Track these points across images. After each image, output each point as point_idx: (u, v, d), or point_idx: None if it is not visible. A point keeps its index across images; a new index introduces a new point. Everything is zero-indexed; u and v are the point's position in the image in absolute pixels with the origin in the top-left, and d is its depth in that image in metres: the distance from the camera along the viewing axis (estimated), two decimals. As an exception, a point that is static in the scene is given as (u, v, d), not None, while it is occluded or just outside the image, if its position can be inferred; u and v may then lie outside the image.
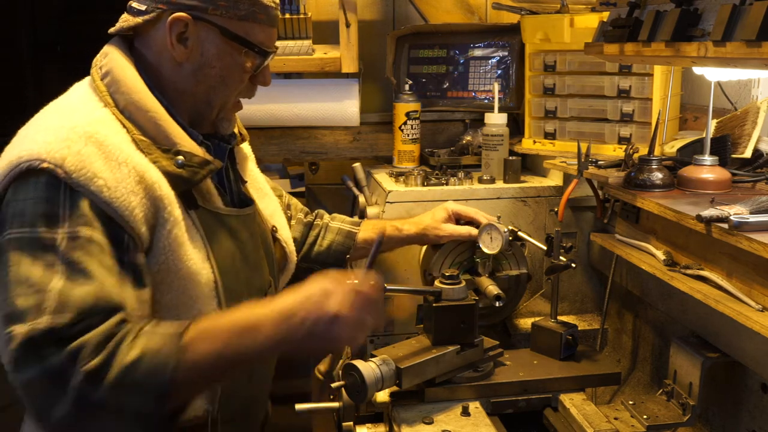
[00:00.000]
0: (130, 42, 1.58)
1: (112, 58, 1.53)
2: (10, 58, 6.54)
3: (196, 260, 1.48)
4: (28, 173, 1.34)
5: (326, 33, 2.65)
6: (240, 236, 1.62)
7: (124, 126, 1.46)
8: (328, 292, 1.39)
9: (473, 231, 1.98)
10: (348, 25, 2.40)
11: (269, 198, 1.86)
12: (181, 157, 1.49)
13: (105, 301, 1.30)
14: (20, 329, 1.25)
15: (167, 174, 1.46)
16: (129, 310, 1.34)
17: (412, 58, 2.68)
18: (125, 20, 1.56)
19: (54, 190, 1.34)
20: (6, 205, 1.36)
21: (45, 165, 1.33)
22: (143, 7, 1.53)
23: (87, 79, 1.58)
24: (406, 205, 2.18)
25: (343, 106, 2.57)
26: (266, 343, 1.36)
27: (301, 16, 2.49)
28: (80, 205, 1.34)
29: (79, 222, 1.33)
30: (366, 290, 1.42)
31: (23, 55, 6.72)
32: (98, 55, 1.56)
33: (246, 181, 1.78)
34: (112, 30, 1.58)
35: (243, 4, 1.52)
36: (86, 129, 1.40)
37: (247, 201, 1.73)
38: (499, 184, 2.27)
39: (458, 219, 2.04)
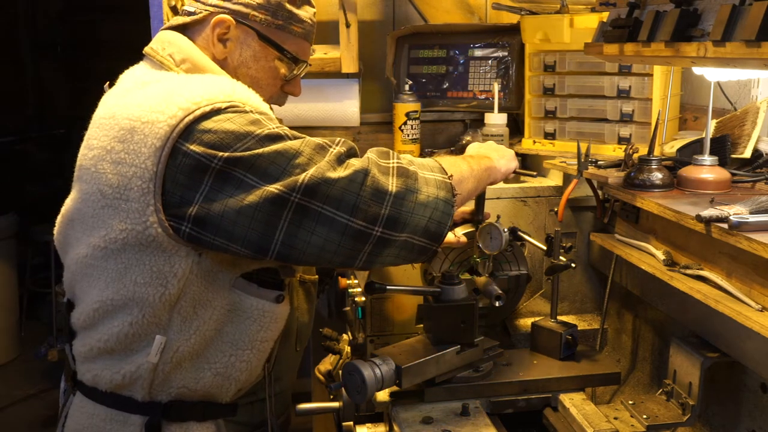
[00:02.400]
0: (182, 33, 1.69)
1: (183, 46, 1.64)
2: (10, 58, 6.54)
3: None
4: (211, 113, 1.45)
5: (326, 33, 2.64)
6: None
7: None
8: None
9: (462, 238, 1.97)
10: (348, 25, 2.40)
11: None
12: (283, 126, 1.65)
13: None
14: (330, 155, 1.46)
15: None
16: None
17: (412, 58, 2.68)
18: (176, 20, 1.70)
19: (245, 113, 1.48)
20: (196, 141, 1.42)
21: (226, 104, 1.47)
22: (193, 9, 1.68)
23: (145, 67, 1.64)
24: (406, 205, 2.18)
25: (343, 106, 2.57)
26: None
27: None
28: (265, 112, 1.53)
29: (275, 122, 1.51)
30: None
31: (23, 55, 6.73)
32: (156, 45, 1.65)
33: None
34: (164, 27, 1.71)
35: (281, 15, 1.68)
36: (224, 78, 1.59)
37: None
38: (499, 184, 2.27)
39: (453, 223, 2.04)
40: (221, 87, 1.51)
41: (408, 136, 2.49)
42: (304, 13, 1.73)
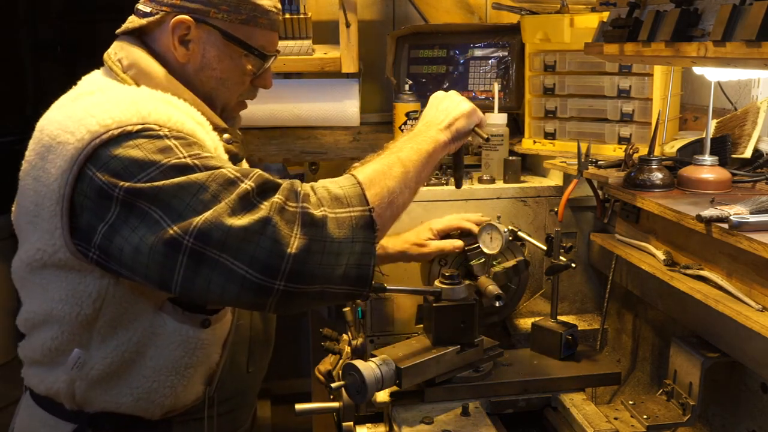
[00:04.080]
0: (138, 39, 1.62)
1: (131, 51, 1.58)
2: (10, 58, 6.54)
3: None
4: (120, 138, 1.36)
5: (326, 33, 2.64)
6: None
7: None
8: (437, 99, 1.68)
9: (457, 243, 1.96)
10: (348, 25, 2.40)
11: None
12: (228, 135, 1.60)
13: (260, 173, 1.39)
14: (227, 199, 1.31)
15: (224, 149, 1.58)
16: None
17: (412, 58, 2.68)
18: (131, 21, 1.62)
19: (156, 138, 1.37)
20: (102, 168, 1.35)
21: (138, 127, 1.37)
22: (148, 9, 1.59)
23: (98, 74, 1.61)
24: (406, 205, 2.18)
25: (343, 106, 2.56)
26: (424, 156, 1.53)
27: (301, 16, 2.48)
28: (184, 137, 1.41)
29: (191, 149, 1.38)
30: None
31: (23, 55, 6.72)
32: (111, 50, 1.61)
33: None
34: (119, 30, 1.63)
35: (244, 8, 1.57)
36: (155, 95, 1.50)
37: None
38: (499, 184, 2.27)
39: (446, 235, 2.02)
40: (139, 106, 1.41)
41: (408, 136, 2.49)
42: (268, 2, 1.63)
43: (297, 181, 1.40)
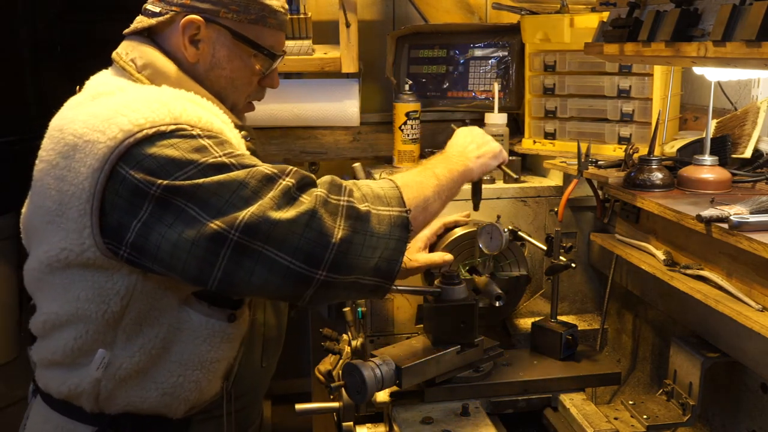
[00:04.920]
0: (148, 39, 1.62)
1: (145, 51, 1.58)
2: (10, 58, 6.54)
3: None
4: (154, 137, 1.37)
5: (326, 33, 2.64)
6: None
7: None
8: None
9: (447, 256, 1.96)
10: (348, 25, 2.40)
11: None
12: (245, 132, 1.62)
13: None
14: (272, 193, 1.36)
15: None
16: None
17: (412, 58, 2.68)
18: (140, 21, 1.62)
19: (191, 138, 1.39)
20: (136, 166, 1.36)
21: (171, 127, 1.39)
22: (157, 9, 1.59)
23: (108, 74, 1.60)
24: (406, 205, 2.18)
25: (343, 106, 2.56)
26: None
27: (301, 16, 2.48)
28: (215, 136, 1.43)
29: (224, 147, 1.41)
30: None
31: (23, 55, 6.72)
32: (121, 50, 1.60)
33: None
34: (127, 30, 1.63)
35: (253, 8, 1.59)
36: (179, 93, 1.51)
37: None
38: (499, 184, 2.27)
39: (438, 235, 2.03)
40: (170, 106, 1.42)
41: (408, 136, 2.49)
42: (276, 2, 1.64)
43: (336, 177, 1.46)
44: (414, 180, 1.56)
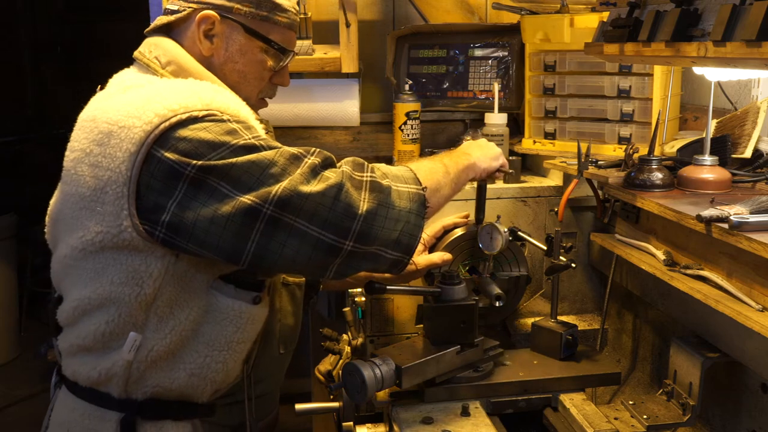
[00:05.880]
0: (166, 35, 1.69)
1: (168, 48, 1.64)
2: (10, 58, 6.54)
3: None
4: (187, 122, 1.44)
5: (326, 33, 2.64)
6: None
7: None
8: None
9: (446, 256, 1.97)
10: (348, 25, 2.40)
11: None
12: (263, 125, 1.66)
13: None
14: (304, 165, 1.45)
15: None
16: None
17: (412, 58, 2.68)
18: (160, 20, 1.70)
19: (222, 122, 1.47)
20: (170, 148, 1.42)
21: (203, 112, 1.46)
22: (176, 7, 1.68)
23: (132, 71, 1.66)
24: (406, 205, 2.18)
25: (343, 106, 2.56)
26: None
27: (301, 16, 2.48)
28: (243, 121, 1.51)
29: (251, 131, 1.49)
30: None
31: (23, 55, 6.73)
32: (144, 49, 1.67)
33: None
34: (147, 29, 1.71)
35: (265, 6, 1.67)
36: (208, 85, 1.58)
37: None
38: (499, 184, 2.27)
39: (437, 237, 2.04)
40: (200, 94, 1.50)
41: (408, 136, 2.49)
42: (287, 2, 1.72)
43: (357, 158, 1.55)
44: (425, 166, 1.67)
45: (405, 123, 2.48)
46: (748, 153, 1.82)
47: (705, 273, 1.59)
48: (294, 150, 1.48)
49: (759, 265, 1.44)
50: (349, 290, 2.24)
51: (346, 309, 2.25)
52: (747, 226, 1.41)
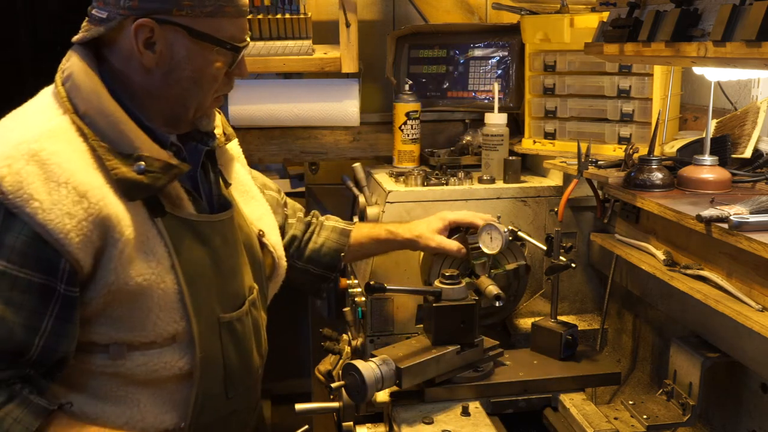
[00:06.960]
0: (97, 46, 1.52)
1: (72, 63, 1.48)
2: (10, 58, 6.54)
3: (150, 273, 1.45)
4: None
5: (326, 33, 2.65)
6: (212, 243, 1.58)
7: (83, 132, 1.42)
8: None
9: (462, 249, 1.96)
10: (348, 25, 2.40)
11: (256, 201, 1.81)
12: (141, 163, 1.43)
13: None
14: None
15: (126, 181, 1.42)
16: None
17: (412, 58, 2.68)
18: (87, 29, 1.51)
19: None
20: None
21: None
22: (104, 15, 1.47)
23: (48, 88, 1.55)
24: (406, 205, 2.18)
25: (343, 106, 2.57)
26: None
27: (301, 16, 2.49)
28: (12, 227, 1.33)
29: (4, 253, 1.32)
30: None
31: (23, 55, 6.72)
32: (63, 59, 1.52)
33: (230, 184, 1.73)
34: (74, 39, 1.52)
35: (209, 0, 1.46)
36: (31, 146, 1.36)
37: (226, 205, 1.67)
38: (499, 184, 2.27)
39: (457, 227, 2.01)
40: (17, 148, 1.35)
41: (408, 136, 2.49)
42: None
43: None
44: None
45: (405, 123, 2.48)
46: (748, 153, 1.82)
47: (705, 273, 1.59)
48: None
49: (759, 265, 1.44)
50: (349, 290, 2.25)
51: (346, 309, 2.25)
52: (747, 226, 1.41)
